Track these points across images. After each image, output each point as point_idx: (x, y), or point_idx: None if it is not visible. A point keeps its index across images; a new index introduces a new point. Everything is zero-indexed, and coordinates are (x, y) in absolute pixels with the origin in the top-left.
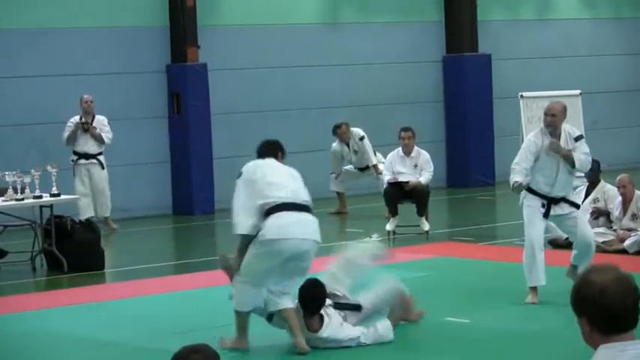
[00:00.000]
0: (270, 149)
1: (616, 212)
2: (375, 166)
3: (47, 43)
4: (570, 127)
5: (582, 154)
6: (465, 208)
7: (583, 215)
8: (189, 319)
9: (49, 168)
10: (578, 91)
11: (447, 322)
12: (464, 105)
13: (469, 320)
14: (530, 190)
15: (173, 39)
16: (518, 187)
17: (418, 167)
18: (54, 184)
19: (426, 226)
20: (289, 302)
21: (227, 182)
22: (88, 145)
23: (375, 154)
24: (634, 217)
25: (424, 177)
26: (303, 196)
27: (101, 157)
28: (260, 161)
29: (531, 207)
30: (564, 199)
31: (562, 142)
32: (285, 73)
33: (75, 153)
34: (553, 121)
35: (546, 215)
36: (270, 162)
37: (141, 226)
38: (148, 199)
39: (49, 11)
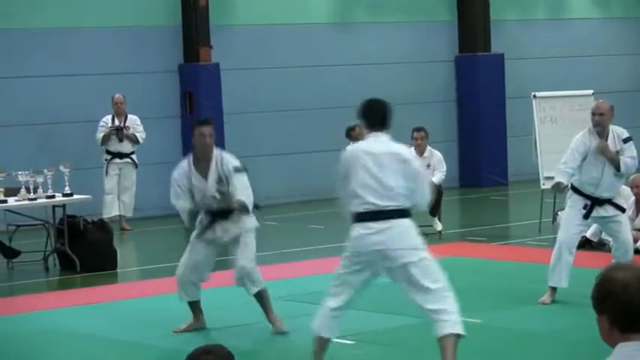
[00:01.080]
0: None
1: (629, 212)
2: None
3: (59, 43)
4: (619, 128)
5: (629, 158)
6: (478, 208)
7: (626, 220)
8: None
9: (61, 168)
10: (591, 91)
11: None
12: (476, 105)
13: (481, 320)
14: (574, 190)
15: (185, 39)
16: (556, 186)
17: (431, 167)
18: (67, 183)
19: (439, 226)
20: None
21: None
22: (122, 145)
23: None
24: None
25: (437, 177)
26: None
27: (134, 156)
28: None
29: (573, 208)
30: (609, 202)
31: (609, 143)
32: (297, 73)
33: (108, 152)
34: (601, 120)
35: (587, 216)
36: None
37: (153, 225)
38: (161, 199)
39: (60, 11)
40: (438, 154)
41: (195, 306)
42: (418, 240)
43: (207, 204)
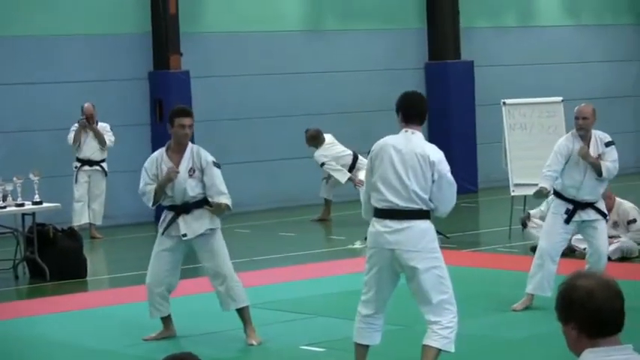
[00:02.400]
0: None
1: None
2: (351, 179)
3: (28, 51)
4: (602, 133)
5: (610, 162)
6: (449, 215)
7: (605, 226)
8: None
9: (31, 176)
10: (560, 98)
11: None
12: (446, 112)
13: None
14: (557, 194)
15: (155, 46)
16: (539, 193)
17: None
18: (36, 191)
19: None
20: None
21: None
22: (91, 152)
23: (357, 159)
24: (615, 224)
25: None
26: None
27: (104, 164)
28: None
29: (555, 215)
30: (592, 206)
31: (592, 147)
32: (267, 81)
33: (78, 160)
34: (585, 124)
35: (568, 221)
36: None
37: (123, 234)
38: (131, 207)
39: (30, 20)
40: None
41: (165, 316)
42: (433, 244)
43: (175, 196)
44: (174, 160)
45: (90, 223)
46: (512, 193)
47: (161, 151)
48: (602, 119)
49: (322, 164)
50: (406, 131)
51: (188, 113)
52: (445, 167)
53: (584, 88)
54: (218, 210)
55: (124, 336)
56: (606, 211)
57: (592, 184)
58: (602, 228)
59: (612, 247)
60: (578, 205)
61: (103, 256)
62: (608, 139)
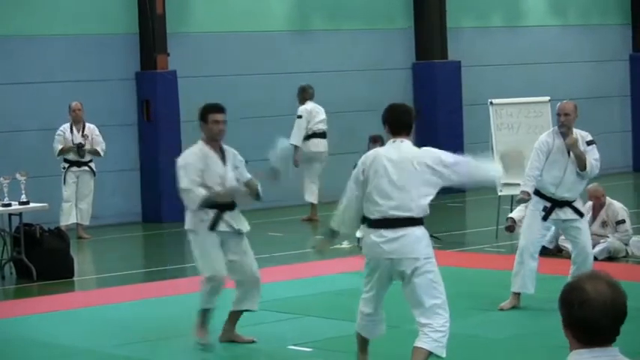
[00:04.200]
0: None
1: (587, 217)
2: (297, 147)
3: (14, 50)
4: (583, 132)
5: (593, 160)
6: (435, 215)
7: (586, 225)
8: (160, 326)
9: (17, 176)
10: (547, 98)
11: (416, 329)
12: (434, 112)
13: None
14: (536, 192)
15: (143, 46)
16: (520, 200)
17: None
18: (23, 192)
19: None
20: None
21: None
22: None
23: (322, 137)
24: (604, 224)
25: None
26: None
27: (92, 164)
28: None
29: (533, 211)
30: (569, 205)
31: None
32: (254, 81)
33: (66, 160)
34: (567, 120)
35: (545, 218)
36: None
37: (110, 234)
38: (118, 207)
39: (17, 19)
40: None
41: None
42: (428, 249)
43: (225, 193)
44: (218, 155)
45: (77, 223)
46: (500, 193)
47: (201, 147)
48: (589, 119)
49: (299, 116)
50: (394, 141)
51: (221, 109)
52: (445, 158)
53: (570, 88)
54: (253, 186)
55: (111, 336)
56: (584, 211)
57: (572, 180)
58: (585, 228)
59: (600, 247)
60: (556, 204)
61: (90, 256)
62: (590, 138)
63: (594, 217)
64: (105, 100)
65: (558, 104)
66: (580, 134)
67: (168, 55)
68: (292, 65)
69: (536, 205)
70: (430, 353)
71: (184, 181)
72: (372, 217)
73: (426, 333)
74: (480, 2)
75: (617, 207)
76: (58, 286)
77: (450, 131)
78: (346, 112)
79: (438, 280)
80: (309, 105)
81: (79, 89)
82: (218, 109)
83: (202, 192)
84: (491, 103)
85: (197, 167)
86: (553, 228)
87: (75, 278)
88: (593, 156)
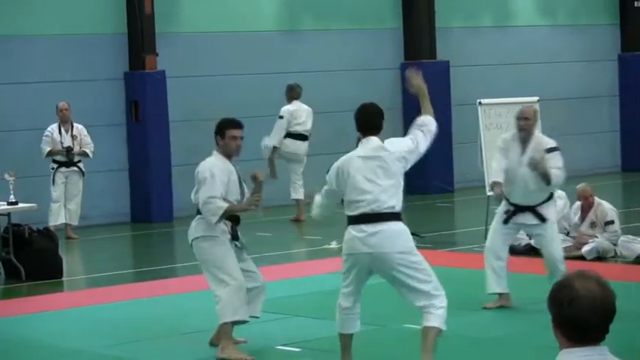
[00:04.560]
0: None
1: (574, 218)
2: (275, 148)
3: (3, 50)
4: (546, 138)
5: (555, 169)
6: (424, 215)
7: (552, 231)
8: (150, 326)
9: (6, 176)
10: (536, 98)
11: (405, 328)
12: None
13: None
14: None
15: (131, 46)
16: (496, 198)
17: None
18: (11, 192)
19: None
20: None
21: (186, 190)
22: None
23: (304, 140)
24: (593, 224)
25: None
26: None
27: (81, 165)
28: None
29: (498, 214)
30: (531, 210)
31: (529, 151)
32: (243, 81)
33: (55, 161)
34: (526, 124)
35: (506, 221)
36: None
37: (99, 234)
38: (107, 207)
39: (6, 19)
40: None
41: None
42: (409, 243)
43: (241, 208)
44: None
45: (66, 224)
46: (489, 193)
47: (223, 161)
48: (578, 119)
49: (281, 117)
50: (361, 142)
51: (239, 125)
52: (409, 144)
53: (559, 88)
54: (259, 178)
55: (101, 336)
56: (548, 216)
57: (524, 186)
58: (550, 234)
59: (588, 246)
60: (518, 208)
61: (79, 257)
62: (552, 144)
63: (583, 218)
64: (93, 100)
65: (519, 108)
66: (541, 141)
67: (157, 55)
68: (282, 65)
69: (501, 207)
70: (440, 330)
71: (210, 190)
72: (352, 214)
73: (431, 312)
74: (468, 2)
75: (606, 207)
76: (47, 287)
77: (438, 131)
78: (335, 112)
79: (425, 267)
80: (294, 105)
81: (67, 89)
82: (236, 124)
83: (225, 205)
84: (479, 103)
85: (223, 180)
86: (521, 230)
87: (64, 278)
88: (555, 164)
